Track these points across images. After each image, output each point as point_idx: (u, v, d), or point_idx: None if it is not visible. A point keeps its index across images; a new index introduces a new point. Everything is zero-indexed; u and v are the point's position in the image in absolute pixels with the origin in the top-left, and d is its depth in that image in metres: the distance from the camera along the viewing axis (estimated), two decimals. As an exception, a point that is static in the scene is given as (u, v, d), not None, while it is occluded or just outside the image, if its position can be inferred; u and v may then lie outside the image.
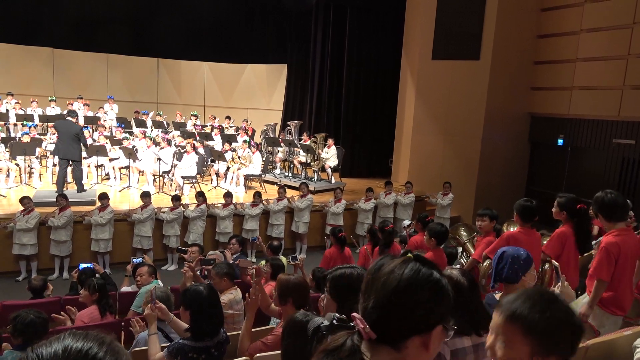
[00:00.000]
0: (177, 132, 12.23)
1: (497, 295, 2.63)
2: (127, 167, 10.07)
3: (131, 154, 9.59)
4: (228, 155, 10.75)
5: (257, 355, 2.83)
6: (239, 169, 10.63)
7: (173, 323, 3.12)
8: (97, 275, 5.12)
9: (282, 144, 11.80)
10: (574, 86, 10.38)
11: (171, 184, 10.17)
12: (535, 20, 11.04)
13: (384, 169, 13.44)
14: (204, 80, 16.48)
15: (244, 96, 16.21)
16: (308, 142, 11.20)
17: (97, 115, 12.61)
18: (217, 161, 10.62)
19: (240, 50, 15.90)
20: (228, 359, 2.98)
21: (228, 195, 8.64)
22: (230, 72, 16.24)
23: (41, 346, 0.84)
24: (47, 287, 5.04)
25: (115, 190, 9.77)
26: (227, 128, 12.97)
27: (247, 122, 13.52)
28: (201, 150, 10.68)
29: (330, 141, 11.27)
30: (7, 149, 9.42)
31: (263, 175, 10.89)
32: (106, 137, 10.83)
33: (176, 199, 8.27)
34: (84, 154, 9.12)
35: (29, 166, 9.93)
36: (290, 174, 11.63)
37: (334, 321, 1.15)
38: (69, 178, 9.08)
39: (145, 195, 8.08)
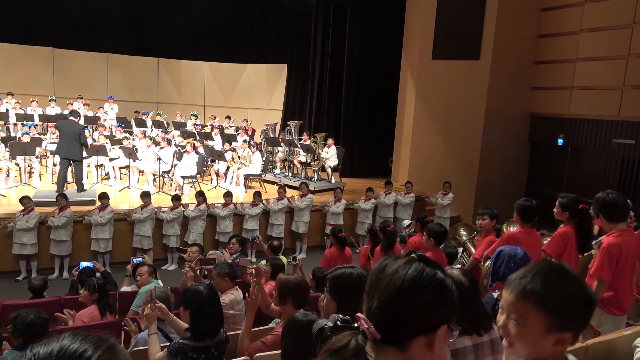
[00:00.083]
0: (177, 132, 12.23)
1: (496, 294, 2.64)
2: (127, 167, 10.07)
3: (131, 153, 9.60)
4: (228, 155, 10.75)
5: (257, 355, 2.83)
6: (238, 168, 10.63)
7: (173, 323, 3.12)
8: (98, 273, 5.13)
9: (282, 144, 11.80)
10: (574, 86, 10.38)
11: (171, 184, 10.17)
12: (536, 20, 11.04)
13: (384, 168, 13.44)
14: (204, 80, 16.48)
15: (244, 96, 16.21)
16: (308, 142, 11.20)
17: (97, 115, 12.61)
18: (217, 161, 10.62)
19: (240, 50, 15.90)
20: (228, 358, 2.98)
21: (228, 195, 8.64)
22: (230, 72, 16.24)
23: (40, 345, 0.85)
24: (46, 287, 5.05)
25: (115, 190, 9.77)
26: (227, 128, 12.97)
27: (247, 121, 13.53)
28: (201, 150, 10.68)
29: (330, 141, 11.27)
30: (7, 149, 9.42)
31: (263, 175, 10.89)
32: (106, 136, 10.83)
33: (176, 198, 8.27)
34: (84, 153, 9.12)
35: (28, 166, 9.93)
36: (290, 174, 11.63)
37: (338, 322, 1.15)
38: (69, 178, 9.08)
39: (145, 195, 8.08)
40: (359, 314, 1.09)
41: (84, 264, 5.17)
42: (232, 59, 15.96)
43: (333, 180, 11.33)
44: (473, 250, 5.06)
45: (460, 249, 5.90)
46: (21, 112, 12.07)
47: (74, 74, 14.87)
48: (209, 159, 11.08)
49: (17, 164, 9.69)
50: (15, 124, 11.73)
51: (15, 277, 7.40)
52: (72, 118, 8.67)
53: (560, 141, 10.81)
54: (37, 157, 10.11)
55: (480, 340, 2.14)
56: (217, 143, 11.74)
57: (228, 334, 3.01)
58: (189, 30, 15.64)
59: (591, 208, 3.89)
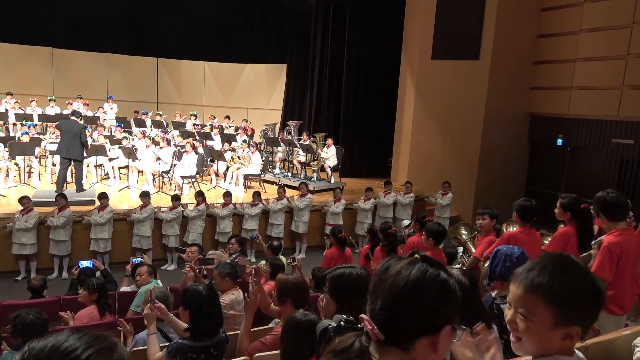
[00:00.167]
0: (177, 132, 12.22)
1: (494, 294, 2.65)
2: (127, 167, 10.07)
3: (130, 153, 9.59)
4: (227, 155, 10.74)
5: (256, 355, 2.83)
6: (238, 168, 10.62)
7: (172, 323, 3.12)
8: (98, 272, 5.13)
9: (281, 144, 11.80)
10: (573, 86, 10.38)
11: (170, 184, 10.17)
12: (535, 20, 11.04)
13: (384, 168, 13.43)
14: (203, 80, 16.48)
15: (243, 96, 16.20)
16: (307, 142, 11.19)
17: (96, 114, 12.60)
18: (216, 161, 10.62)
19: (239, 50, 15.89)
20: (227, 358, 2.97)
21: (227, 194, 8.63)
22: (229, 72, 16.23)
23: (38, 340, 0.86)
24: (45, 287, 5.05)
25: (115, 189, 9.77)
26: (226, 128, 12.96)
27: (246, 121, 13.52)
28: (201, 150, 10.68)
29: (329, 141, 11.27)
30: (7, 149, 9.41)
31: (262, 175, 10.89)
32: (105, 136, 10.83)
33: (175, 198, 8.27)
34: (84, 153, 9.12)
35: (28, 166, 9.92)
36: (289, 174, 11.63)
37: (342, 322, 1.15)
38: (69, 178, 9.07)
39: (145, 195, 8.07)
40: (362, 315, 1.09)
41: (83, 263, 5.17)
42: (232, 59, 15.95)
43: (332, 180, 11.33)
44: (473, 249, 5.06)
45: (461, 249, 5.90)
46: (20, 112, 12.05)
47: (74, 74, 14.86)
48: (209, 159, 11.07)
49: (16, 164, 9.68)
50: (14, 124, 11.72)
51: (14, 277, 7.39)
52: (73, 118, 8.68)
53: (559, 141, 10.82)
54: (36, 157, 10.10)
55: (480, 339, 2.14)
56: (216, 143, 11.74)
57: (228, 334, 3.01)
58: (189, 30, 15.64)
59: (591, 208, 3.90)
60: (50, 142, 10.42)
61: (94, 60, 15.19)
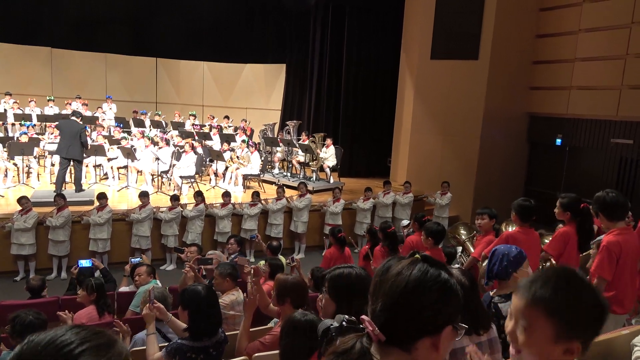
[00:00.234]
0: (176, 132, 12.21)
1: (492, 293, 2.65)
2: (126, 167, 10.06)
3: (129, 153, 9.58)
4: (227, 155, 10.74)
5: (255, 355, 2.82)
6: (237, 168, 10.62)
7: (171, 323, 3.12)
8: (97, 271, 5.12)
9: (280, 144, 11.79)
10: (572, 86, 10.39)
11: (170, 184, 10.16)
12: (534, 20, 11.05)
13: (383, 168, 13.43)
14: (202, 80, 16.46)
15: (242, 96, 16.19)
16: (307, 142, 11.19)
17: (95, 115, 12.58)
18: (215, 161, 10.61)
19: (239, 50, 15.88)
20: (226, 358, 2.97)
21: (226, 195, 8.63)
22: (228, 72, 16.22)
23: (38, 333, 0.88)
24: (44, 288, 5.04)
25: (114, 190, 9.76)
26: (225, 128, 12.95)
27: (245, 121, 13.51)
28: (200, 150, 10.67)
29: (328, 141, 11.27)
30: (5, 149, 9.40)
31: (262, 175, 10.89)
32: (104, 136, 10.82)
33: (175, 198, 8.26)
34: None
35: (27, 166, 9.91)
36: (288, 174, 11.62)
37: (344, 322, 1.14)
38: (68, 178, 9.06)
39: (144, 195, 8.06)
40: (363, 317, 1.08)
41: (82, 262, 5.16)
42: (231, 58, 15.94)
43: (332, 180, 11.33)
44: (472, 249, 5.06)
45: (460, 248, 5.89)
46: (19, 112, 12.04)
47: (72, 74, 14.84)
48: (208, 159, 11.07)
49: (15, 164, 9.67)
50: (13, 124, 11.70)
51: (13, 277, 7.38)
52: (74, 118, 8.68)
53: (558, 141, 10.83)
54: (35, 157, 10.09)
55: (479, 339, 2.14)
56: (215, 143, 11.73)
57: (228, 334, 3.01)
58: (188, 30, 15.61)
59: (590, 207, 3.90)
60: (49, 142, 10.41)
61: (92, 60, 15.17)
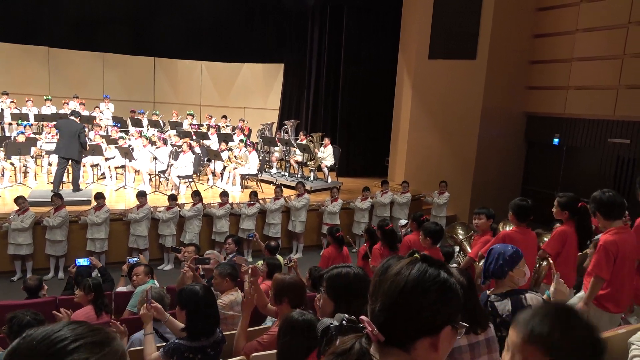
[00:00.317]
0: (173, 132, 12.18)
1: (489, 292, 2.66)
2: (123, 167, 10.04)
3: (127, 153, 9.57)
4: (224, 155, 10.72)
5: (253, 354, 2.82)
6: (235, 168, 10.61)
7: (169, 323, 3.11)
8: (95, 270, 5.10)
9: (278, 144, 11.78)
10: (569, 86, 10.41)
11: (167, 184, 10.14)
12: (532, 20, 11.07)
13: (381, 168, 13.44)
14: (200, 80, 16.44)
15: (240, 95, 16.18)
16: (304, 142, 11.19)
17: (93, 114, 12.55)
18: (213, 160, 10.60)
19: (236, 49, 15.85)
20: (224, 358, 2.97)
21: (224, 194, 8.61)
22: (226, 72, 16.21)
23: (37, 328, 0.89)
24: (42, 287, 5.02)
25: (111, 189, 9.74)
26: (223, 127, 12.93)
27: (243, 121, 13.49)
28: (197, 150, 10.66)
29: (326, 140, 11.27)
30: (2, 149, 9.37)
31: (259, 175, 10.88)
32: (102, 136, 10.79)
33: (172, 198, 8.25)
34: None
35: (24, 166, 9.87)
36: (286, 173, 11.62)
37: (344, 322, 1.14)
38: (65, 178, 9.04)
39: (141, 195, 8.05)
40: (362, 317, 1.08)
41: (80, 261, 5.15)
42: (229, 58, 15.92)
43: (329, 180, 11.33)
44: (469, 249, 5.07)
45: (457, 248, 5.90)
46: (16, 111, 12.00)
47: (70, 73, 14.80)
48: (206, 159, 11.05)
49: (12, 164, 9.65)
50: (10, 124, 11.66)
51: (10, 277, 7.36)
52: (72, 118, 8.67)
53: (555, 140, 10.85)
54: (32, 157, 10.06)
55: (477, 339, 2.14)
56: (213, 143, 11.72)
57: (227, 334, 3.00)
58: (186, 30, 15.58)
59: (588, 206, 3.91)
60: (46, 142, 10.38)
61: (90, 60, 15.14)
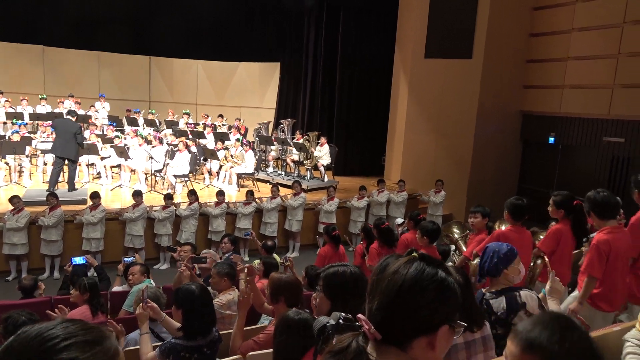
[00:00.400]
0: (169, 131, 12.16)
1: (484, 290, 2.68)
2: (119, 166, 10.01)
3: (123, 152, 9.53)
4: (221, 154, 10.71)
5: (249, 354, 2.82)
6: (231, 167, 10.59)
7: (165, 322, 3.11)
8: (92, 269, 5.08)
9: (274, 143, 11.78)
10: (565, 85, 10.45)
11: (163, 183, 10.12)
12: (528, 19, 11.10)
13: (377, 167, 13.46)
14: (196, 79, 16.40)
15: (236, 94, 16.14)
16: (301, 141, 11.19)
17: (88, 113, 12.50)
18: (209, 160, 10.58)
19: (233, 48, 15.82)
20: (221, 357, 2.97)
21: (220, 193, 8.61)
22: (222, 71, 16.17)
23: (32, 325, 0.89)
24: (39, 287, 5.00)
25: (107, 189, 9.71)
26: (219, 126, 12.91)
27: (239, 120, 13.48)
28: (193, 149, 10.64)
29: (323, 139, 11.27)
30: (-3, 148, 9.32)
31: (256, 174, 10.87)
32: (97, 135, 10.75)
33: (168, 197, 8.23)
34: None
35: (18, 165, 9.82)
36: (283, 173, 11.61)
37: (340, 320, 1.14)
38: (60, 177, 9.00)
39: (137, 194, 8.03)
40: (359, 315, 1.08)
41: (76, 260, 5.13)
42: (225, 57, 15.88)
43: (326, 179, 11.34)
44: (464, 248, 5.08)
45: (453, 247, 5.91)
46: (11, 110, 11.92)
47: (65, 72, 14.73)
48: (202, 158, 11.04)
49: (6, 163, 9.59)
50: (4, 123, 11.59)
51: (5, 277, 7.33)
52: (69, 117, 8.63)
53: (551, 139, 10.89)
54: (27, 156, 10.00)
55: (473, 337, 2.15)
56: (209, 142, 11.70)
57: (224, 333, 3.00)
58: (183, 29, 15.48)
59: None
60: (41, 141, 10.33)
61: (85, 59, 15.07)
